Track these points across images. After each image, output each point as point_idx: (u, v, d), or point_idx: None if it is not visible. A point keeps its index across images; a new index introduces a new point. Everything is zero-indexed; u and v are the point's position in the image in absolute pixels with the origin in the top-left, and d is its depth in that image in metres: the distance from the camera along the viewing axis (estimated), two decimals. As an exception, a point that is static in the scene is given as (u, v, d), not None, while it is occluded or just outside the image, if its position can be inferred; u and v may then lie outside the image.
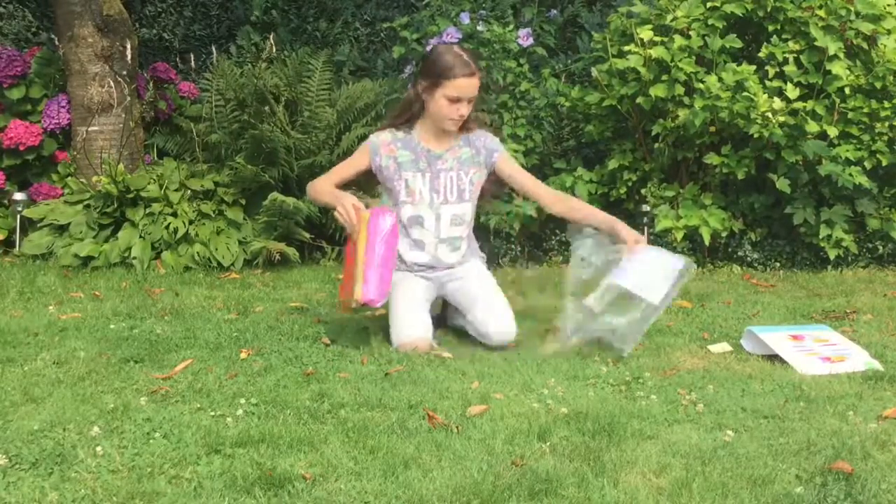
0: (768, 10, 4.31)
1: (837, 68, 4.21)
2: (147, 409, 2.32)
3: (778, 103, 4.07)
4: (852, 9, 4.23)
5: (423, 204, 3.12)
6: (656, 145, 4.50)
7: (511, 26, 4.85)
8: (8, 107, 4.99)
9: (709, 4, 4.33)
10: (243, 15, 6.49)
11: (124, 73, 4.98)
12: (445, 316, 3.34)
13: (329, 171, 3.23)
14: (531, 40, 4.81)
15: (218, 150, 4.92)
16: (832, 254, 4.28)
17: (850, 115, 4.26)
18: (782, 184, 4.20)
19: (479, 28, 4.73)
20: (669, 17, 4.35)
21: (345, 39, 6.25)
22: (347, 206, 2.91)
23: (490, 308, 3.04)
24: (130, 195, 4.55)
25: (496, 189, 3.33)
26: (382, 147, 3.13)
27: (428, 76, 3.06)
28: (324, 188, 3.11)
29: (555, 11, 5.53)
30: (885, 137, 4.26)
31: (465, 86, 3.02)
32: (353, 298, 2.84)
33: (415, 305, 3.06)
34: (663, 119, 4.39)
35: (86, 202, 4.65)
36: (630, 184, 4.57)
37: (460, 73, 3.00)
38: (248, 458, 2.01)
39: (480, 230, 4.49)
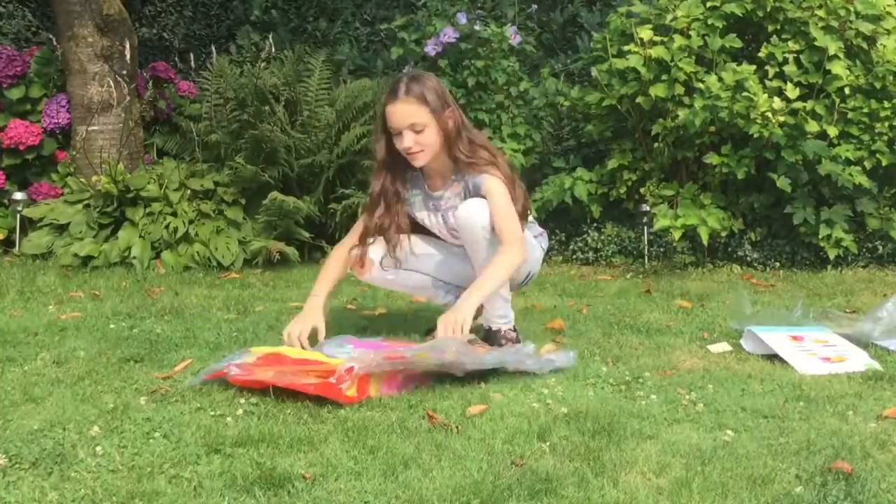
0: (768, 10, 4.31)
1: (837, 68, 4.21)
2: (147, 408, 2.32)
3: (778, 103, 4.07)
4: (852, 9, 4.23)
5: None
6: (656, 145, 4.50)
7: (508, 25, 4.86)
8: (8, 106, 4.99)
9: (709, 4, 4.32)
10: (243, 14, 6.50)
11: (124, 72, 4.98)
12: None
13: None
14: (518, 38, 4.82)
15: (218, 149, 4.92)
16: (832, 253, 4.28)
17: (850, 115, 4.26)
18: (783, 182, 4.20)
19: (477, 28, 4.74)
20: (669, 16, 4.35)
21: (344, 39, 6.25)
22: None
23: None
24: (130, 195, 4.55)
25: None
26: None
27: None
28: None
29: (535, 6, 5.54)
30: (885, 137, 4.26)
31: (390, 115, 2.73)
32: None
33: None
34: (663, 119, 4.39)
35: (86, 202, 4.65)
36: (630, 183, 4.57)
37: (385, 100, 2.74)
38: (247, 457, 2.01)
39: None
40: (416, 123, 2.70)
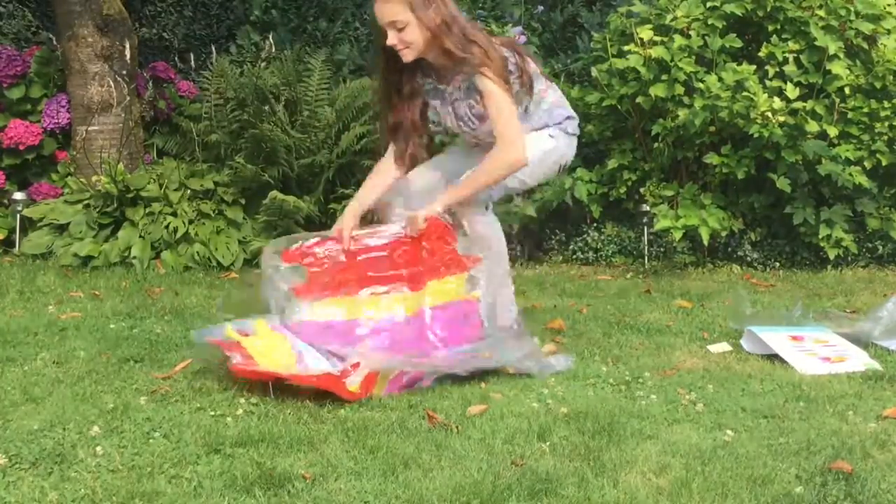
0: (768, 9, 4.31)
1: (837, 68, 4.21)
2: (147, 408, 2.32)
3: (778, 103, 4.07)
4: (852, 8, 4.23)
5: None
6: (656, 145, 4.50)
7: (510, 25, 4.85)
8: (8, 106, 4.99)
9: (709, 4, 4.32)
10: (243, 14, 6.49)
11: (124, 72, 4.98)
12: None
13: None
14: (524, 38, 4.82)
15: (218, 149, 4.91)
16: (832, 253, 4.28)
17: (850, 114, 4.26)
18: (783, 183, 4.20)
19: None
20: (669, 16, 4.35)
21: (344, 39, 6.25)
22: None
23: None
24: (130, 195, 4.55)
25: None
26: None
27: None
28: None
29: (541, 7, 5.53)
30: (885, 137, 4.26)
31: (376, 13, 2.77)
32: None
33: None
34: (663, 119, 4.39)
35: (85, 202, 4.65)
36: (630, 183, 4.57)
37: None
38: (247, 457, 2.01)
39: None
40: (396, 21, 2.72)
